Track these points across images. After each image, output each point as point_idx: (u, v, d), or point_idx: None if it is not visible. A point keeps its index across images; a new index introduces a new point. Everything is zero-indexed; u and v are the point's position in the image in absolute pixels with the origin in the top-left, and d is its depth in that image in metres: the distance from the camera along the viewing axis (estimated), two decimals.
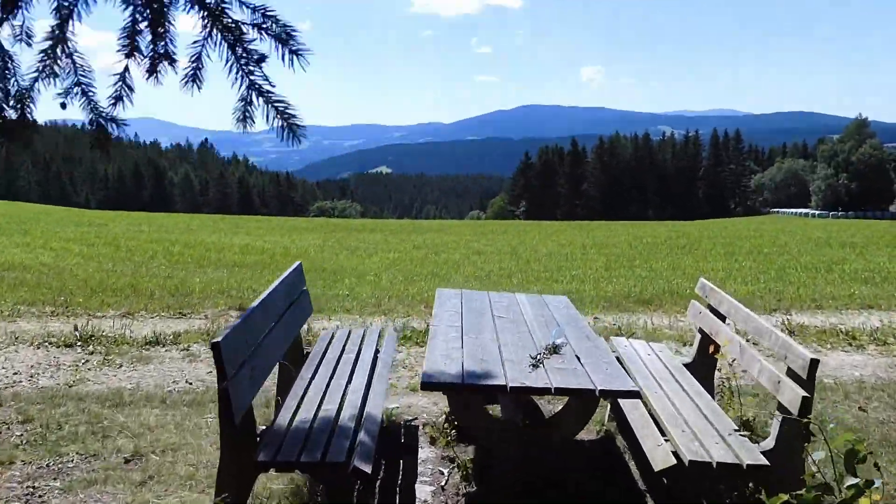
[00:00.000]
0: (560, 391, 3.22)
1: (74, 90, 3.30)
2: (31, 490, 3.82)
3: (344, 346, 4.65)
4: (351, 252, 20.92)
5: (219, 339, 3.08)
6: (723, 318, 4.48)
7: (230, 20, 2.91)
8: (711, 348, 4.37)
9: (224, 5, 2.94)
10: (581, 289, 10.58)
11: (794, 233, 30.65)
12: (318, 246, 22.98)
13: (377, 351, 4.64)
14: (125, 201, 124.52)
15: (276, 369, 4.38)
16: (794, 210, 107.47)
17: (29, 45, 3.27)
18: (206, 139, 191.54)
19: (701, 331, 4.67)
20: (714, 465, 3.22)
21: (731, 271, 14.11)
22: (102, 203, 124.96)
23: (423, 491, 3.84)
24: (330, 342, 4.75)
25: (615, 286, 10.91)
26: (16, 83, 3.32)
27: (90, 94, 3.36)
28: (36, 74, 3.20)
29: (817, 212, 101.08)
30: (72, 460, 4.21)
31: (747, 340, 4.50)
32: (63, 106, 3.34)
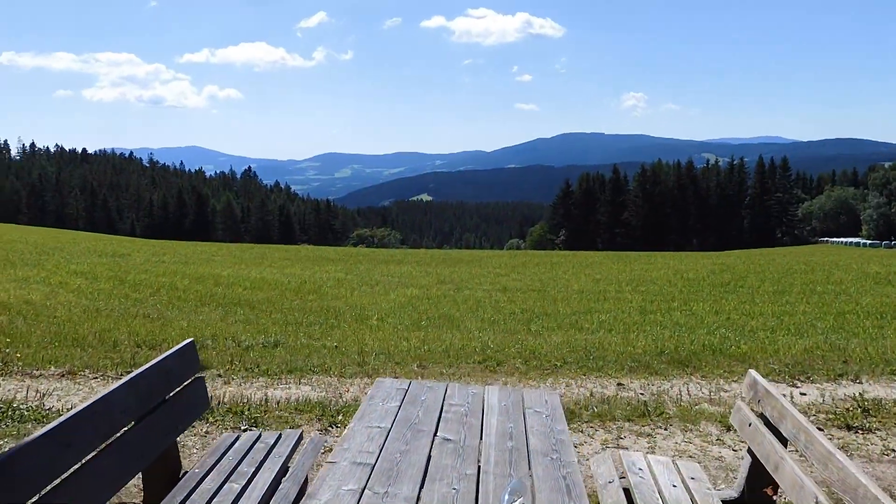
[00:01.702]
0: None
1: None
2: None
3: (238, 463, 3.31)
4: (370, 287, 19.69)
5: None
6: (783, 439, 2.98)
7: None
8: (769, 490, 2.95)
9: None
10: (607, 341, 9.12)
11: (848, 267, 28.60)
12: (337, 280, 21.80)
13: (284, 471, 3.30)
14: (168, 229, 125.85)
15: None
16: (844, 239, 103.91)
17: None
18: (250, 167, 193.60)
19: (751, 452, 3.20)
20: None
21: (782, 317, 12.48)
22: (146, 230, 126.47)
23: None
24: (223, 455, 3.42)
25: (647, 339, 9.42)
26: None
27: None
28: None
29: (868, 241, 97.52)
30: None
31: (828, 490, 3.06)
32: None
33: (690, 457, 4.93)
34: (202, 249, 40.51)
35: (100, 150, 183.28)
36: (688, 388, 6.74)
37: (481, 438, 2.83)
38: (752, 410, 3.28)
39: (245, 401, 6.03)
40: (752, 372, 3.28)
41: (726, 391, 6.67)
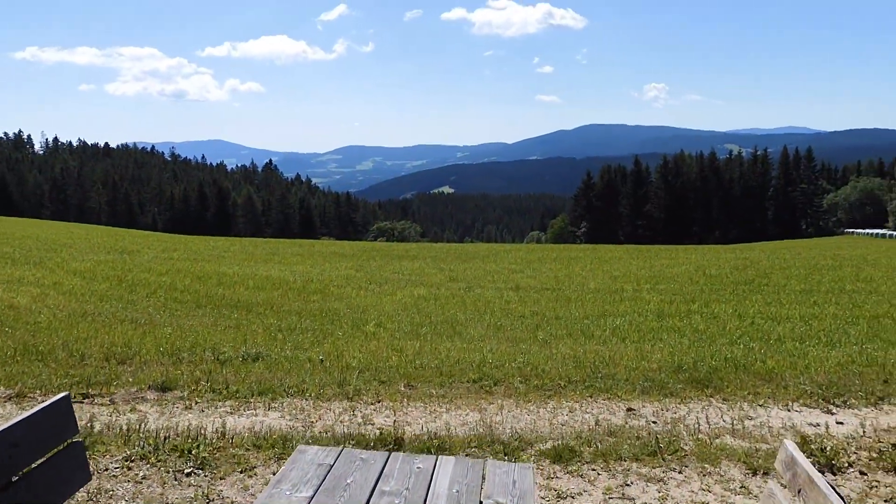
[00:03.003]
0: None
1: None
2: None
3: None
4: (378, 286, 18.99)
5: None
6: None
7: None
8: None
9: None
10: (619, 353, 8.30)
11: (877, 262, 27.47)
12: (346, 278, 21.12)
13: None
14: (189, 222, 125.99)
15: None
16: (870, 231, 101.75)
17: None
18: (271, 160, 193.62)
19: None
20: None
21: (811, 322, 11.59)
22: (168, 224, 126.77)
23: None
24: None
25: (663, 350, 8.58)
26: None
27: None
28: None
29: (895, 233, 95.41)
30: None
31: None
32: None
33: None
34: (215, 245, 40.02)
35: (122, 145, 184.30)
36: (707, 416, 5.91)
37: None
38: (786, 490, 2.48)
39: (199, 434, 5.30)
40: (789, 444, 2.47)
41: (751, 419, 5.84)
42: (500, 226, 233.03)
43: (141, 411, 6.05)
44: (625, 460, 4.88)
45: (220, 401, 6.37)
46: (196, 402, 6.31)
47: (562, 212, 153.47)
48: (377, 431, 5.35)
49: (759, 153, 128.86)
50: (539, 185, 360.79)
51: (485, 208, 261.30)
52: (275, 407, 6.21)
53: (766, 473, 4.62)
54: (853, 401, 6.27)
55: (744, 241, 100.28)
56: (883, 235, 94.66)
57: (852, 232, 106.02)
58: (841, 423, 5.74)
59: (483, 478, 2.60)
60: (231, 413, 6.04)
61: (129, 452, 4.90)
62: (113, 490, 4.35)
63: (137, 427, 5.46)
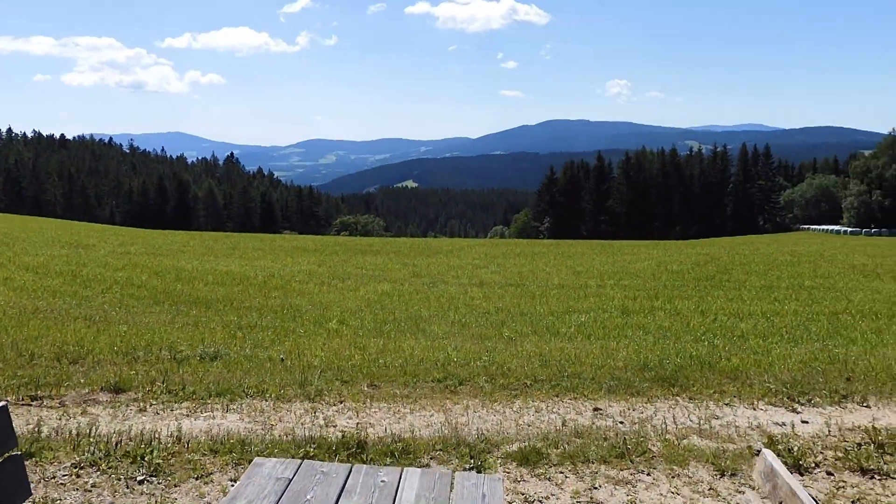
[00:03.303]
0: None
1: None
2: None
3: None
4: (341, 281, 18.77)
5: None
6: None
7: None
8: None
9: None
10: (584, 351, 8.23)
11: (833, 258, 27.95)
12: (308, 273, 20.84)
13: None
14: (148, 216, 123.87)
15: None
16: (825, 227, 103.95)
17: None
18: (232, 153, 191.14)
19: None
20: None
21: (772, 318, 11.68)
22: (126, 217, 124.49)
23: None
24: None
25: (629, 348, 8.54)
26: None
27: None
28: None
29: (849, 229, 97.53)
30: None
31: None
32: None
33: None
34: (174, 239, 39.33)
35: (78, 136, 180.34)
36: (673, 415, 5.86)
37: None
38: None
39: (153, 438, 5.09)
40: (768, 454, 2.39)
41: (718, 418, 5.80)
42: (463, 220, 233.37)
43: (92, 414, 5.82)
44: (592, 462, 4.80)
45: (176, 402, 6.16)
46: (151, 404, 6.09)
47: (525, 207, 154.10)
48: (339, 434, 5.20)
49: (718, 150, 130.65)
50: (502, 179, 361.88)
51: (448, 203, 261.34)
52: (233, 409, 6.02)
53: (734, 475, 4.57)
54: (818, 399, 6.27)
55: (703, 236, 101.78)
56: (837, 232, 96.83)
57: (808, 228, 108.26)
58: (806, 421, 5.72)
59: (451, 490, 2.46)
60: (187, 415, 5.83)
61: (78, 459, 4.69)
62: (60, 499, 4.14)
63: (88, 431, 5.24)
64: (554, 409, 6.06)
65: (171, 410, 5.95)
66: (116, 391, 6.41)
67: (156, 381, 6.69)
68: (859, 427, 5.48)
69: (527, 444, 5.13)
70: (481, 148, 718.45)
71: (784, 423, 5.66)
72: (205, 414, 5.88)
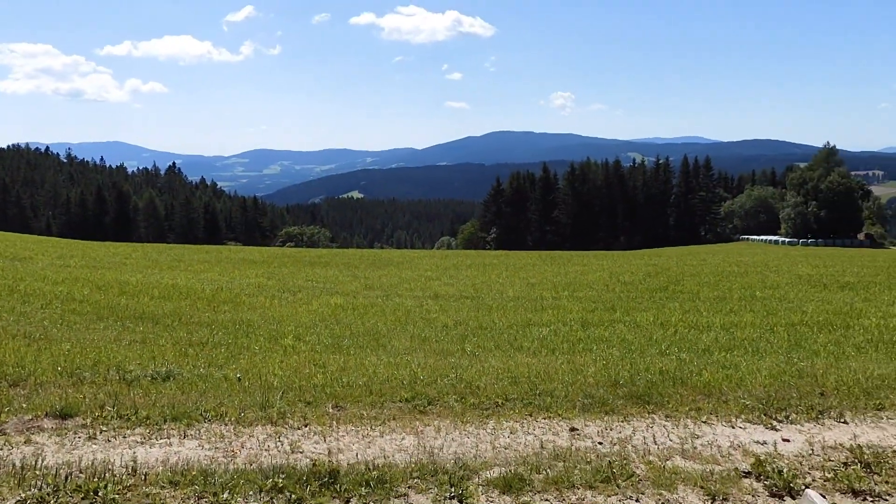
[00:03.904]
0: None
1: None
2: None
3: None
4: (292, 295, 18.32)
5: None
6: None
7: None
8: None
9: None
10: (552, 367, 8.04)
11: (779, 268, 28.50)
12: (257, 286, 20.31)
13: None
14: (87, 227, 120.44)
15: None
16: (764, 237, 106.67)
17: None
18: (174, 163, 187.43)
19: None
20: None
21: (732, 330, 11.71)
22: (63, 229, 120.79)
23: None
24: None
25: (596, 362, 8.38)
26: None
27: None
28: None
29: (787, 239, 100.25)
30: None
31: None
32: None
33: None
34: (115, 251, 38.14)
35: (13, 145, 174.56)
36: (653, 435, 5.69)
37: None
38: None
39: (106, 470, 4.71)
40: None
41: (698, 437, 5.65)
42: (409, 231, 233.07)
43: (37, 443, 5.38)
44: (578, 488, 4.59)
45: (128, 428, 5.75)
46: (101, 431, 5.67)
47: (471, 217, 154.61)
48: (309, 462, 4.88)
49: (661, 161, 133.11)
50: (448, 190, 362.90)
51: (394, 213, 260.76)
52: (191, 434, 5.64)
53: (725, 499, 4.41)
54: (794, 416, 6.18)
55: (647, 246, 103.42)
56: (776, 242, 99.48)
57: (747, 238, 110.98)
58: (787, 440, 5.61)
59: None
60: (142, 443, 5.44)
61: (24, 495, 4.29)
62: None
63: (33, 463, 4.83)
64: (529, 430, 5.84)
65: (124, 437, 5.55)
66: (62, 417, 5.97)
67: (105, 405, 6.26)
68: (842, 445, 5.39)
69: (507, 469, 4.90)
70: (427, 159, 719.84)
71: (765, 442, 5.53)
72: (161, 441, 5.49)
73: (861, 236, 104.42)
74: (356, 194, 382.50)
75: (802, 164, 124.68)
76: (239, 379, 7.48)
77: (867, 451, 5.15)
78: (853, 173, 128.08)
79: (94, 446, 5.34)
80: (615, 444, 5.47)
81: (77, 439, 5.48)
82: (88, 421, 5.90)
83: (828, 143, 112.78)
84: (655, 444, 5.50)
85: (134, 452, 5.19)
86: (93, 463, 4.87)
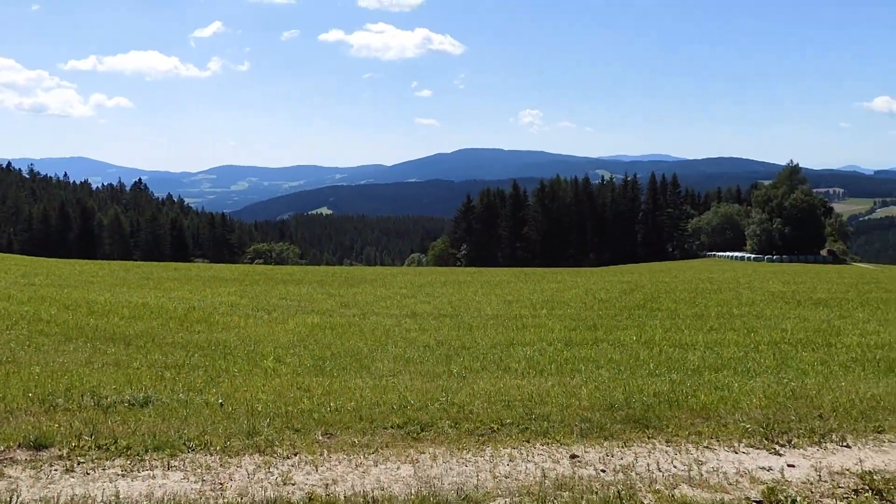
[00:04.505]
0: None
1: None
2: None
3: None
4: (267, 314, 17.97)
5: None
6: None
7: None
8: None
9: None
10: (544, 389, 7.86)
11: (751, 285, 28.75)
12: (230, 305, 19.90)
13: None
14: (50, 244, 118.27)
15: None
16: (730, 254, 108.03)
17: None
18: (140, 179, 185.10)
19: None
20: None
21: (716, 349, 11.65)
22: (25, 245, 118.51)
23: None
24: None
25: (588, 384, 8.21)
26: None
27: None
28: None
29: (753, 255, 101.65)
30: None
31: None
32: None
33: None
34: (81, 269, 37.34)
35: None
36: (657, 461, 5.53)
37: None
38: None
39: None
40: None
41: (702, 463, 5.49)
42: (379, 247, 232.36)
43: (10, 477, 5.07)
44: None
45: (108, 459, 5.45)
46: (79, 463, 5.36)
47: (441, 234, 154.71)
48: (305, 497, 4.64)
49: (629, 179, 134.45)
50: (418, 207, 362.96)
51: (363, 230, 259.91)
52: (175, 466, 5.36)
53: None
54: (796, 440, 6.06)
55: (616, 263, 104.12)
56: (742, 258, 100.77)
57: (714, 255, 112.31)
58: (792, 465, 5.48)
59: None
60: (123, 475, 5.15)
61: None
62: None
63: (8, 500, 4.53)
64: (528, 458, 5.65)
65: (104, 470, 5.25)
66: (37, 447, 5.65)
67: (82, 434, 5.94)
68: (849, 471, 5.27)
69: (511, 500, 4.70)
70: (397, 175, 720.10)
71: (771, 468, 5.40)
72: (143, 473, 5.21)
73: (824, 252, 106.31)
74: (325, 211, 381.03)
75: (767, 182, 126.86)
76: (221, 404, 7.20)
77: (878, 479, 5.04)
78: (815, 190, 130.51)
79: (72, 479, 5.04)
80: (619, 472, 5.30)
81: (53, 472, 5.18)
82: (65, 452, 5.58)
83: (791, 160, 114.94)
84: (660, 471, 5.33)
85: (116, 486, 4.91)
86: (72, 499, 4.60)
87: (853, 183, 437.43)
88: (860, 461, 5.52)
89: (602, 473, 5.29)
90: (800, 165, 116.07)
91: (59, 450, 5.64)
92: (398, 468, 5.38)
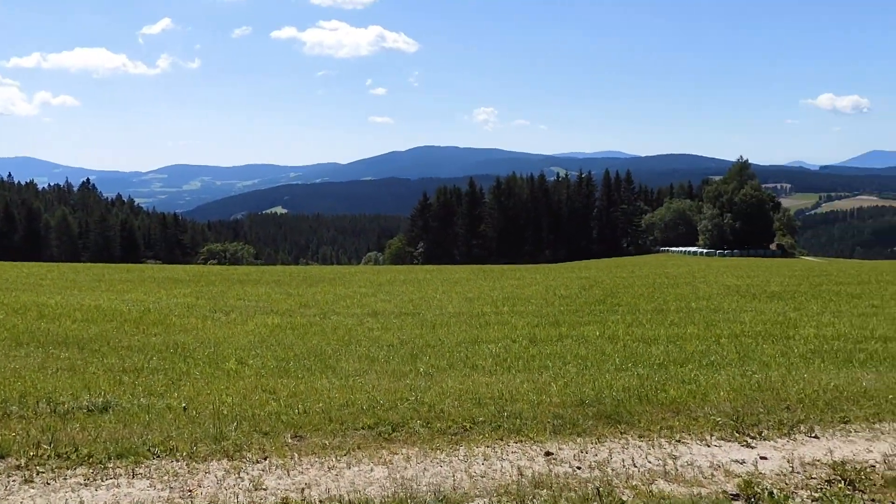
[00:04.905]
0: None
1: None
2: None
3: None
4: (225, 315, 17.64)
5: None
6: None
7: None
8: None
9: None
10: (514, 387, 7.82)
11: (706, 279, 29.18)
12: (186, 306, 19.51)
13: None
14: None
15: None
16: (683, 248, 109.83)
17: None
18: (88, 179, 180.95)
19: None
20: None
21: (678, 343, 11.76)
22: None
23: None
24: None
25: (557, 381, 8.19)
26: None
27: None
28: None
29: (705, 250, 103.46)
30: None
31: None
32: None
33: None
34: (29, 271, 36.33)
35: None
36: (631, 457, 5.52)
37: None
38: None
39: None
40: None
41: (676, 458, 5.50)
42: (335, 246, 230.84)
43: None
44: None
45: (69, 469, 5.25)
46: (39, 473, 5.15)
47: (397, 232, 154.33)
48: (278, 501, 4.51)
49: (583, 176, 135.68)
50: (373, 205, 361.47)
51: (319, 229, 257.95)
52: (140, 473, 5.18)
53: None
54: (766, 431, 6.11)
55: (572, 259, 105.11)
56: (695, 253, 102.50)
57: (667, 250, 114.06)
58: (765, 457, 5.52)
59: None
60: (86, 485, 4.96)
61: None
62: None
63: None
64: (503, 456, 5.59)
65: (65, 479, 5.05)
66: None
67: (40, 443, 5.72)
68: (820, 462, 5.33)
69: (489, 500, 4.64)
70: (352, 174, 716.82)
71: (744, 461, 5.43)
72: (107, 482, 5.02)
73: (773, 246, 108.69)
74: (280, 210, 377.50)
75: (717, 178, 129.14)
76: (185, 408, 7.00)
77: (849, 469, 5.09)
78: (763, 186, 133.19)
79: (31, 490, 4.84)
80: (594, 469, 5.27)
81: (12, 483, 4.96)
82: (23, 461, 5.36)
83: (741, 157, 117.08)
84: (635, 466, 5.32)
85: (79, 496, 4.72)
86: None
87: (799, 178, 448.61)
88: (830, 451, 5.59)
89: (578, 470, 5.26)
90: (749, 161, 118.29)
91: (17, 459, 5.41)
92: (372, 470, 5.28)
